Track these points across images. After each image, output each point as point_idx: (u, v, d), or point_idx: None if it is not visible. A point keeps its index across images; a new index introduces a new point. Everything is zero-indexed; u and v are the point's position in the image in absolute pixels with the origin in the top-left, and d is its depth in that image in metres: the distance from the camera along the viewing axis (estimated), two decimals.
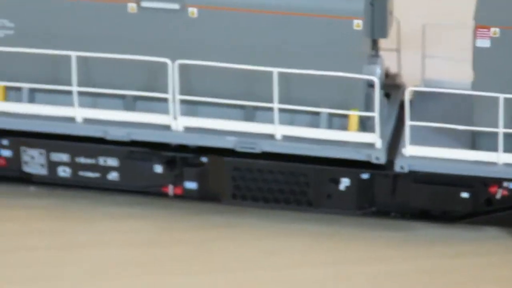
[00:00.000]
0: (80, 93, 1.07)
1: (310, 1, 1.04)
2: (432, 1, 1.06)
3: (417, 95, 1.05)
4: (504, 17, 1.00)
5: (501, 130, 1.00)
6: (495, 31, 0.99)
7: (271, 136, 1.05)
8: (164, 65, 1.03)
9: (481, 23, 0.99)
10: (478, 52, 1.00)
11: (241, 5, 1.04)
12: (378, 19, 1.04)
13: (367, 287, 1.03)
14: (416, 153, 1.03)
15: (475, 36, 1.00)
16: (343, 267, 1.03)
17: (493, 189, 1.02)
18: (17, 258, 1.07)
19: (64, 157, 1.10)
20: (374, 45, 1.08)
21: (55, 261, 1.08)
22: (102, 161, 1.09)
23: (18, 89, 1.09)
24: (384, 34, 1.06)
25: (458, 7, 1.03)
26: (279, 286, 1.03)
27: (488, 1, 1.02)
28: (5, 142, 1.09)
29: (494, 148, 1.01)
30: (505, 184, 1.02)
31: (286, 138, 1.05)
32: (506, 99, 0.98)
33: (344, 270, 1.03)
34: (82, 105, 1.08)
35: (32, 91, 1.10)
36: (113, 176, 1.09)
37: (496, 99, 0.99)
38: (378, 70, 1.04)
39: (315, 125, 1.06)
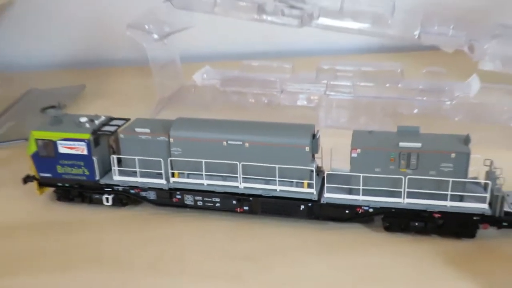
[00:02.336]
0: (206, 175, 1.12)
1: (287, 139, 1.08)
2: (336, 138, 1.12)
3: (329, 175, 1.08)
4: (362, 145, 1.04)
5: (357, 187, 1.03)
6: (359, 150, 1.03)
7: (275, 190, 1.10)
8: (236, 164, 1.10)
9: (353, 147, 1.04)
10: (352, 158, 1.04)
11: (259, 141, 1.09)
12: (315, 146, 1.09)
13: (313, 240, 1.06)
14: (329, 196, 1.08)
15: (351, 152, 1.04)
16: (303, 236, 1.07)
17: (358, 209, 1.07)
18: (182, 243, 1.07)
19: (199, 198, 1.14)
20: (313, 156, 1.10)
21: (202, 238, 1.09)
22: (213, 199, 1.13)
23: (183, 173, 1.14)
24: (316, 151, 1.10)
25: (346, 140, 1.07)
26: (293, 244, 1.05)
27: (356, 138, 1.06)
28: (178, 192, 1.14)
29: (358, 193, 1.04)
30: (363, 207, 1.06)
31: (281, 191, 1.10)
32: (345, 175, 1.05)
33: (303, 236, 1.07)
34: (207, 179, 1.12)
35: (188, 174, 1.14)
36: (217, 204, 1.13)
37: (358, 176, 1.04)
38: (315, 165, 1.09)
39: (291, 186, 1.10)
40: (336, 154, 1.14)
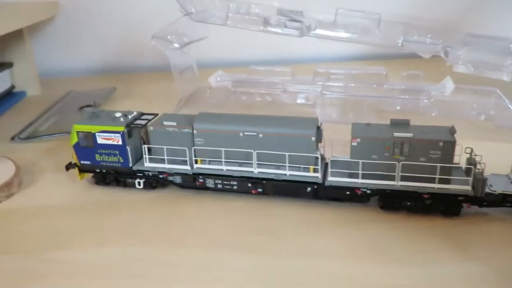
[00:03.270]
0: (225, 162, 1.07)
1: (296, 130, 1.03)
2: (340, 131, 1.06)
3: (332, 161, 1.02)
4: (361, 135, 0.99)
5: (357, 171, 0.98)
6: (358, 139, 0.99)
7: (285, 174, 1.05)
8: (251, 152, 1.05)
9: (354, 136, 0.99)
10: (352, 146, 0.99)
11: (271, 132, 1.04)
12: (319, 136, 1.04)
13: (318, 217, 1.00)
14: (332, 180, 1.03)
15: (351, 141, 0.99)
16: (309, 213, 1.02)
17: (357, 191, 1.02)
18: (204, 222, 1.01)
19: (219, 181, 1.09)
20: (317, 145, 1.05)
21: (220, 212, 1.04)
22: (231, 183, 1.08)
23: (205, 160, 1.09)
24: (320, 141, 1.04)
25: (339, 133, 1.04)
26: (301, 221, 1.00)
27: (356, 129, 1.00)
28: (200, 177, 1.09)
29: (357, 177, 1.00)
30: (362, 189, 1.01)
31: (291, 175, 1.05)
32: (346, 161, 0.99)
33: (309, 213, 1.02)
34: (226, 165, 1.07)
35: (209, 161, 1.09)
36: (235, 187, 1.08)
37: (358, 162, 0.98)
38: (319, 153, 1.05)
39: (299, 171, 1.05)
40: (336, 145, 1.09)
